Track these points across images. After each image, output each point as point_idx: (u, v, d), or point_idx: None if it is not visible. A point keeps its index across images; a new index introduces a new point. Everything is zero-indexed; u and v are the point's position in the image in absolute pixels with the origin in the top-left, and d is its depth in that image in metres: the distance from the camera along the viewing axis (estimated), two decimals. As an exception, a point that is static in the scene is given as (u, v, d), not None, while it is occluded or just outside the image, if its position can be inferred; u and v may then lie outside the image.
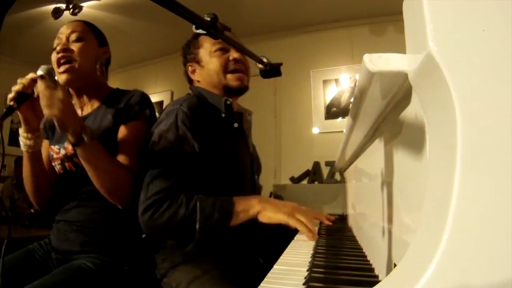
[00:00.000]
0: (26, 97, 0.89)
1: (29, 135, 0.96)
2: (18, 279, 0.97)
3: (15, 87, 0.88)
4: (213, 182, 1.03)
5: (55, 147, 1.11)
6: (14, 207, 3.24)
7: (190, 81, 1.25)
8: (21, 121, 0.94)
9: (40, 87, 0.88)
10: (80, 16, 3.07)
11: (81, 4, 3.03)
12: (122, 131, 1.06)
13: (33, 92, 0.90)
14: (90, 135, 0.91)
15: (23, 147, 0.98)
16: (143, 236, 1.14)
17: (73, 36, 1.08)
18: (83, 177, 1.02)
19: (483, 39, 0.30)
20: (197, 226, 0.87)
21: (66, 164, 1.08)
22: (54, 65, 1.07)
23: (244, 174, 1.18)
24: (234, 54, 1.17)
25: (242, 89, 1.19)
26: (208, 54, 1.17)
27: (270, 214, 0.91)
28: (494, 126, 0.28)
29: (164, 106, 4.23)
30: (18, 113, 0.91)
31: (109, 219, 1.04)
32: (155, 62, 4.13)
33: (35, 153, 1.01)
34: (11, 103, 0.87)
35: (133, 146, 1.04)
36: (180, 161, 0.96)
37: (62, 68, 1.05)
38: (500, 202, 0.26)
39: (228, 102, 1.14)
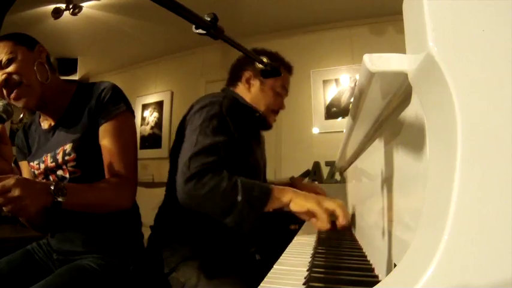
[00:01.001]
0: None
1: None
2: (18, 280, 0.97)
3: None
4: (236, 173, 1.06)
5: (34, 164, 1.08)
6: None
7: (234, 80, 1.31)
8: None
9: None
10: (80, 16, 3.07)
11: (81, 4, 3.02)
12: (104, 134, 1.02)
13: None
14: (62, 190, 0.85)
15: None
16: (150, 230, 1.16)
17: (3, 61, 1.00)
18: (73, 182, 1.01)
19: (483, 39, 0.30)
20: (239, 198, 0.92)
21: (51, 177, 1.06)
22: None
23: (258, 174, 1.27)
24: (283, 105, 1.37)
25: (269, 128, 1.37)
26: (272, 86, 1.28)
27: (302, 202, 0.96)
28: (494, 126, 0.28)
29: (164, 106, 4.20)
30: None
31: (110, 218, 1.03)
32: (155, 62, 4.12)
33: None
34: None
35: (121, 146, 1.01)
36: (222, 144, 1.02)
37: (14, 95, 0.99)
38: (500, 202, 0.26)
39: (257, 115, 1.25)
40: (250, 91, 1.28)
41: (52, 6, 2.98)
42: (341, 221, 0.92)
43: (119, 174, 0.99)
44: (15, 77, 0.99)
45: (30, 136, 1.15)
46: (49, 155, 1.04)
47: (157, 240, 1.11)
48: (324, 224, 0.92)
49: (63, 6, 2.99)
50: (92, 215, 1.02)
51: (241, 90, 1.29)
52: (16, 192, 0.76)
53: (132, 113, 1.08)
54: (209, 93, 1.20)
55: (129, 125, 1.06)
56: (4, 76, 0.99)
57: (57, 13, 2.98)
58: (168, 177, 1.21)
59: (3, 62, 1.00)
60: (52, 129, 1.09)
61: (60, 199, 0.84)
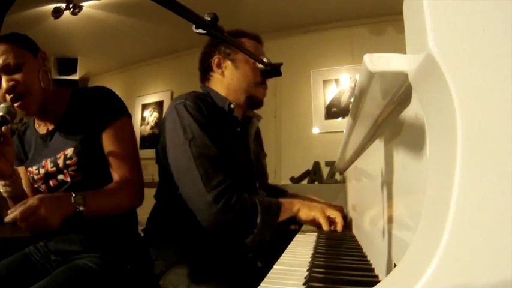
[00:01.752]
0: None
1: (7, 182, 0.90)
2: (17, 284, 0.97)
3: None
4: None
5: (33, 169, 1.07)
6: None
7: (206, 73, 1.24)
8: None
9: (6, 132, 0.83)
10: (80, 16, 3.07)
11: (81, 4, 3.02)
12: (106, 141, 1.03)
13: None
14: (83, 200, 0.88)
15: (4, 194, 0.93)
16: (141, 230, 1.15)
17: (12, 66, 0.99)
18: (72, 187, 1.02)
19: (483, 39, 0.30)
20: (258, 219, 0.97)
21: (50, 182, 1.06)
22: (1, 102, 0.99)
23: (250, 174, 1.21)
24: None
25: (262, 103, 1.26)
26: (245, 59, 1.18)
27: (308, 211, 1.07)
28: (495, 126, 0.28)
29: (164, 106, 4.20)
30: None
31: (109, 218, 1.03)
32: (155, 62, 4.12)
33: (18, 196, 0.95)
34: None
35: (124, 150, 1.03)
36: (215, 145, 1.03)
37: (18, 104, 0.99)
38: (500, 202, 0.26)
39: (232, 106, 1.15)
40: (224, 75, 1.20)
41: (52, 6, 2.98)
42: (339, 229, 1.07)
43: (126, 177, 1.01)
44: (22, 86, 0.99)
45: (25, 142, 1.15)
46: (49, 160, 1.05)
47: (149, 244, 1.11)
48: (326, 229, 1.05)
49: (63, 6, 2.99)
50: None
51: (215, 79, 1.21)
52: (42, 213, 0.79)
53: (129, 116, 1.10)
54: (177, 96, 1.14)
55: (129, 129, 1.09)
56: (12, 83, 0.98)
57: (57, 13, 2.98)
58: (159, 182, 1.21)
59: (11, 66, 0.99)
60: (49, 134, 1.09)
61: (81, 208, 0.86)
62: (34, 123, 1.15)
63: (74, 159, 1.02)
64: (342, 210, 1.17)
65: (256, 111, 1.31)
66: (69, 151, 1.02)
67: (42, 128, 1.12)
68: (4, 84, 0.99)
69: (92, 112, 1.05)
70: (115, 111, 1.06)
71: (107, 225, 1.04)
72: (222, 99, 1.17)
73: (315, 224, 1.10)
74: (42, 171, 1.05)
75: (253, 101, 1.23)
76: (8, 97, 0.99)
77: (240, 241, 1.00)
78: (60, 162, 1.02)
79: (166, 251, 1.05)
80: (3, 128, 0.84)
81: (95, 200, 0.92)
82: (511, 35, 0.29)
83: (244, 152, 1.22)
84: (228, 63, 1.20)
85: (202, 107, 1.07)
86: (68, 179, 1.03)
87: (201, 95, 1.15)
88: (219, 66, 1.20)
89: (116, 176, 1.02)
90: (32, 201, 0.79)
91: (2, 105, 0.88)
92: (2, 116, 0.85)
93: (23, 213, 0.78)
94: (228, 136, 1.13)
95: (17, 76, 0.99)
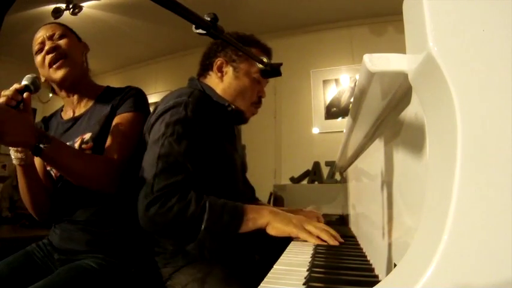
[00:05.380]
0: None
1: (19, 148, 0.92)
2: (19, 282, 0.97)
3: None
4: (210, 181, 1.00)
5: None
6: (14, 208, 3.24)
7: (205, 70, 1.17)
8: None
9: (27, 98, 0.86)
10: (80, 16, 3.07)
11: (81, 4, 3.03)
12: (115, 121, 1.05)
13: (18, 103, 0.85)
14: (47, 138, 0.86)
15: (14, 161, 0.94)
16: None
17: (56, 35, 1.07)
18: None
19: (483, 39, 0.30)
20: (203, 226, 0.84)
21: None
22: (42, 68, 1.06)
23: (237, 175, 1.16)
24: (264, 91, 1.19)
25: (246, 122, 1.19)
26: (247, 72, 1.12)
27: (279, 225, 0.89)
28: (494, 126, 0.28)
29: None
30: None
31: (115, 219, 1.03)
32: (155, 62, 4.13)
33: (28, 166, 0.97)
34: None
35: (121, 136, 1.03)
36: (189, 155, 0.91)
37: (58, 64, 1.04)
38: (500, 202, 0.26)
39: (229, 109, 1.10)
40: (222, 80, 1.12)
41: (52, 6, 2.99)
42: (332, 243, 0.85)
43: (110, 158, 0.99)
44: (64, 51, 1.05)
45: (50, 127, 1.18)
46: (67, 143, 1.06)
47: (149, 249, 1.09)
48: (313, 242, 0.85)
49: (63, 6, 2.99)
50: (97, 214, 1.02)
51: (212, 80, 1.14)
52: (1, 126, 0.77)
53: (144, 115, 1.07)
54: (176, 90, 1.05)
55: (136, 125, 1.06)
56: (54, 44, 1.04)
57: (57, 13, 2.99)
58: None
59: (55, 36, 1.06)
60: (72, 121, 1.12)
61: (41, 146, 0.84)
62: (61, 111, 1.19)
63: (90, 143, 1.03)
64: (326, 229, 0.91)
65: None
66: (87, 136, 1.04)
67: (67, 114, 1.16)
68: (46, 46, 1.04)
69: (116, 102, 1.08)
70: (133, 104, 1.08)
71: (113, 227, 1.04)
72: (220, 98, 1.12)
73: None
74: None
75: (240, 117, 1.15)
76: (48, 58, 1.03)
77: (181, 246, 0.93)
78: (76, 145, 1.04)
79: (172, 259, 1.02)
80: (24, 95, 0.86)
81: (62, 149, 0.90)
82: (511, 35, 0.29)
83: (238, 155, 1.18)
84: (230, 69, 1.13)
85: (204, 109, 1.01)
86: None
87: (201, 93, 1.06)
88: (219, 69, 1.14)
89: (104, 153, 1.02)
90: None
91: (28, 75, 0.91)
92: (26, 84, 0.87)
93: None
94: (224, 137, 1.09)
95: (60, 41, 1.06)
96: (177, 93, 1.02)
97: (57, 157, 0.89)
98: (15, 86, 0.87)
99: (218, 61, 1.14)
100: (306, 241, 0.88)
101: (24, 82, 0.89)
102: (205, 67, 1.17)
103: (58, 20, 2.97)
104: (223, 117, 1.10)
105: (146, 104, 1.13)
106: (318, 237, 0.86)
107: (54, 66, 1.04)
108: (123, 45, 3.78)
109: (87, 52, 1.18)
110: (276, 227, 0.89)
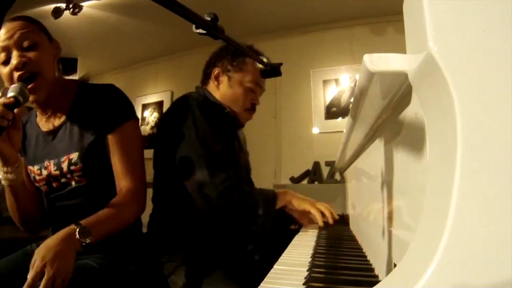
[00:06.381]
0: (1, 130, 0.76)
1: (9, 169, 0.86)
2: (18, 281, 0.96)
3: None
4: None
5: (35, 169, 1.03)
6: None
7: (206, 78, 1.30)
8: None
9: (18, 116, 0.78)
10: (80, 16, 3.07)
11: (81, 4, 3.02)
12: (112, 146, 0.99)
13: (9, 121, 0.77)
14: (87, 233, 0.82)
15: (3, 182, 0.89)
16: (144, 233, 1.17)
17: (25, 43, 0.91)
18: (76, 191, 1.00)
19: (483, 39, 0.30)
20: (260, 211, 1.05)
21: (53, 184, 1.03)
22: (10, 82, 0.92)
23: (240, 171, 1.28)
24: (258, 99, 1.31)
25: (242, 126, 1.34)
26: (240, 82, 1.25)
27: (299, 202, 1.13)
28: (495, 126, 0.28)
29: (164, 106, 4.21)
30: None
31: None
32: (155, 62, 4.12)
33: (17, 186, 0.92)
34: None
35: (131, 155, 0.99)
36: (223, 148, 1.10)
37: (31, 87, 0.91)
38: (500, 202, 0.26)
39: (226, 111, 1.23)
40: (219, 88, 1.26)
41: (52, 6, 2.98)
42: (331, 221, 1.10)
43: (130, 188, 0.97)
44: (35, 66, 0.91)
45: (27, 135, 1.09)
46: (52, 162, 1.01)
47: (153, 247, 1.13)
48: (319, 220, 1.09)
49: (63, 6, 2.99)
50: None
51: (211, 88, 1.28)
52: (53, 271, 0.73)
53: (136, 119, 1.06)
54: (186, 94, 1.23)
55: (135, 133, 1.04)
56: (24, 59, 0.90)
57: (57, 13, 2.98)
58: (154, 186, 1.22)
59: (24, 44, 0.91)
60: (53, 132, 1.04)
61: (87, 241, 0.82)
62: (36, 117, 1.08)
63: (79, 165, 0.98)
64: (329, 207, 1.19)
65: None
66: (74, 156, 0.99)
67: (45, 124, 1.06)
68: (14, 60, 0.90)
69: (99, 112, 1.00)
70: (122, 113, 1.02)
71: None
72: (219, 104, 1.25)
73: (305, 218, 1.18)
74: (44, 172, 1.02)
75: (235, 122, 1.29)
76: (16, 75, 0.90)
77: (244, 231, 1.10)
78: (65, 166, 0.99)
79: (175, 255, 1.08)
80: (15, 111, 0.78)
81: (100, 226, 0.87)
82: (511, 35, 0.29)
83: (243, 156, 1.34)
84: (225, 78, 1.25)
85: (210, 110, 1.14)
86: (72, 183, 1.01)
87: (203, 97, 1.21)
88: (216, 78, 1.26)
89: (119, 185, 0.98)
90: (37, 263, 0.73)
91: (15, 85, 0.82)
92: (14, 96, 0.78)
93: (34, 279, 0.73)
94: (230, 138, 1.23)
95: (30, 54, 0.91)
96: (182, 99, 1.18)
97: (100, 236, 0.87)
98: (3, 100, 0.78)
99: (215, 71, 1.27)
100: (306, 240, 0.89)
101: (12, 94, 0.80)
102: (206, 76, 1.31)
103: (58, 20, 2.98)
104: (224, 118, 1.22)
105: (129, 102, 1.07)
106: (322, 214, 1.10)
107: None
108: (123, 45, 3.78)
109: (59, 54, 1.04)
110: (297, 203, 1.13)
